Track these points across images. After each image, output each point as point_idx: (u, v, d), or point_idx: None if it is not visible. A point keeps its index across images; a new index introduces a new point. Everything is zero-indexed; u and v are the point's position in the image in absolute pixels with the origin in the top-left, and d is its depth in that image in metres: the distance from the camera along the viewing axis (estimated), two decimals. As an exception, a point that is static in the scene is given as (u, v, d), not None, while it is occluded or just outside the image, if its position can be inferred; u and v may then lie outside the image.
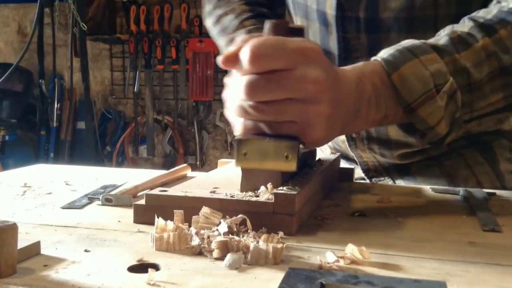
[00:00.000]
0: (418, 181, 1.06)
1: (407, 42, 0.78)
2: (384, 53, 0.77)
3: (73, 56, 3.98)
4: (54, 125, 4.13)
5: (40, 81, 4.07)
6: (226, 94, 0.72)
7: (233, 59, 0.66)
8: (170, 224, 0.58)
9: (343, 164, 1.17)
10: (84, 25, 3.79)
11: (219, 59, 0.67)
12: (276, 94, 0.64)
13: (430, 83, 0.74)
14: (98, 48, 4.30)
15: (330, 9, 1.00)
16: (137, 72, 3.99)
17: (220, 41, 1.15)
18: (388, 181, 1.10)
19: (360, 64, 0.77)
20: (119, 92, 4.31)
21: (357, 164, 1.12)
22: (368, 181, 1.12)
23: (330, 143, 1.16)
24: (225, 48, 1.11)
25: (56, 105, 4.08)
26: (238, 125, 0.70)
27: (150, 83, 4.04)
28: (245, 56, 0.63)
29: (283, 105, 0.65)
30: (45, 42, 4.09)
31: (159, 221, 0.58)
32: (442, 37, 0.79)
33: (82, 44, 3.91)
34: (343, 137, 1.08)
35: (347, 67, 0.76)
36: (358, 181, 1.13)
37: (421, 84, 0.74)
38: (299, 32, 0.72)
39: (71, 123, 4.17)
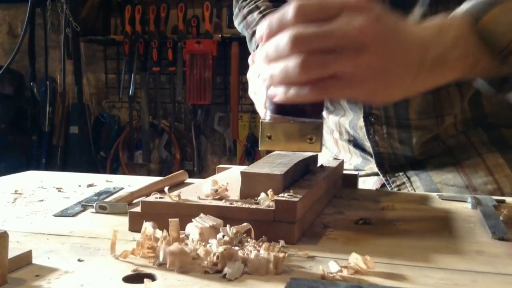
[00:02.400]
0: (434, 180, 1.06)
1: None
2: (461, 9, 0.75)
3: (66, 58, 3.99)
4: (46, 130, 4.13)
5: (31, 84, 4.07)
6: (252, 71, 0.73)
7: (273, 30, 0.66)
8: (159, 232, 0.58)
9: (357, 157, 1.17)
10: (77, 25, 3.80)
11: (263, 25, 0.67)
12: (322, 40, 0.63)
13: None
14: (91, 50, 4.30)
15: None
16: (133, 75, 3.99)
17: (246, 36, 1.26)
18: (402, 178, 1.10)
19: (439, 16, 0.75)
20: (113, 96, 4.31)
21: (371, 156, 1.12)
22: (381, 176, 1.12)
23: (348, 129, 1.16)
24: (250, 40, 1.25)
25: (48, 109, 4.08)
26: (276, 92, 0.68)
27: (146, 86, 4.04)
28: (289, 12, 0.64)
29: (330, 55, 0.63)
30: (36, 43, 4.09)
31: (147, 228, 0.58)
32: None
33: (75, 45, 3.92)
34: (361, 123, 1.09)
35: (425, 21, 0.74)
36: (370, 176, 1.14)
37: (509, 29, 0.73)
38: None
39: (63, 128, 4.17)
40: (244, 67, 3.87)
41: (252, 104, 3.29)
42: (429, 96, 1.01)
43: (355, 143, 1.17)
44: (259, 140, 0.68)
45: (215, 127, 4.10)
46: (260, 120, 0.69)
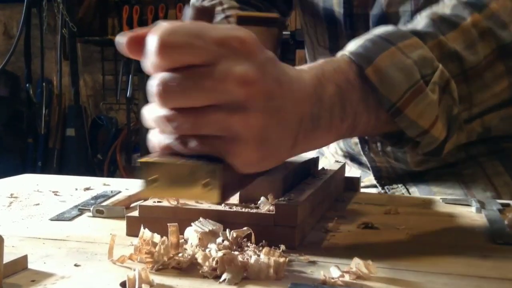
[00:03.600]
0: (433, 189, 1.06)
1: (379, 30, 0.68)
2: (352, 46, 0.66)
3: (62, 59, 3.99)
4: (42, 132, 4.13)
5: (27, 85, 4.08)
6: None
7: (137, 44, 0.54)
8: (157, 237, 0.58)
9: (355, 169, 1.17)
10: (73, 26, 3.81)
11: (120, 40, 0.55)
12: (192, 97, 0.51)
13: (415, 73, 0.64)
14: (88, 51, 4.31)
15: (338, 7, 1.00)
16: (130, 76, 4.00)
17: None
18: (401, 189, 1.09)
19: (320, 61, 0.65)
20: (111, 97, 4.31)
21: (369, 169, 1.12)
22: (380, 188, 1.11)
23: (342, 146, 1.15)
24: None
25: (44, 111, 4.09)
26: (150, 142, 0.57)
27: (144, 88, 4.03)
28: (152, 45, 0.51)
29: (202, 114, 0.52)
30: (32, 44, 4.10)
31: (145, 233, 0.58)
32: (421, 19, 0.70)
33: (72, 46, 3.92)
34: (356, 139, 1.08)
35: (304, 66, 0.64)
36: (369, 188, 1.14)
37: (404, 75, 0.63)
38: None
39: (60, 130, 4.18)
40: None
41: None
42: None
43: (352, 158, 1.17)
44: (142, 184, 0.54)
45: (215, 130, 4.10)
46: (138, 160, 0.54)
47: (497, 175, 1.03)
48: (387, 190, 1.11)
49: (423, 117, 0.64)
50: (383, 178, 1.11)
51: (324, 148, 1.22)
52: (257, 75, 0.52)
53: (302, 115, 0.58)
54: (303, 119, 0.58)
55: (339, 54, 0.66)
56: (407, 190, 1.09)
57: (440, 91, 0.65)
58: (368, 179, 1.15)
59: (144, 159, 0.53)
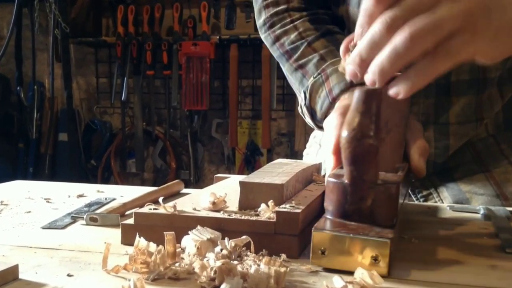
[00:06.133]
0: (463, 188, 1.06)
1: None
2: None
3: (55, 61, 3.99)
4: (34, 137, 4.13)
5: (18, 88, 4.07)
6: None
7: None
8: (153, 246, 0.58)
9: None
10: (66, 26, 3.81)
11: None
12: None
13: None
14: (82, 52, 4.31)
15: None
16: (125, 79, 4.00)
17: (286, 67, 1.11)
18: (429, 189, 1.10)
19: None
20: (105, 101, 4.31)
21: None
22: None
23: None
24: (293, 72, 1.08)
25: (35, 115, 4.08)
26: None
27: (139, 91, 4.04)
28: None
29: (435, 18, 0.61)
30: (23, 45, 4.10)
31: (140, 242, 0.58)
32: None
33: (64, 47, 3.92)
34: None
35: None
36: None
37: None
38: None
39: (52, 135, 4.17)
40: (243, 70, 3.90)
41: (251, 110, 3.25)
42: (472, 99, 1.02)
43: None
44: (311, 253, 0.60)
45: (213, 134, 4.10)
46: (312, 230, 0.60)
47: None
48: (414, 188, 1.10)
49: None
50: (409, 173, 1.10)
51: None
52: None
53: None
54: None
55: None
56: (435, 189, 1.09)
57: None
58: None
59: (315, 230, 0.60)
